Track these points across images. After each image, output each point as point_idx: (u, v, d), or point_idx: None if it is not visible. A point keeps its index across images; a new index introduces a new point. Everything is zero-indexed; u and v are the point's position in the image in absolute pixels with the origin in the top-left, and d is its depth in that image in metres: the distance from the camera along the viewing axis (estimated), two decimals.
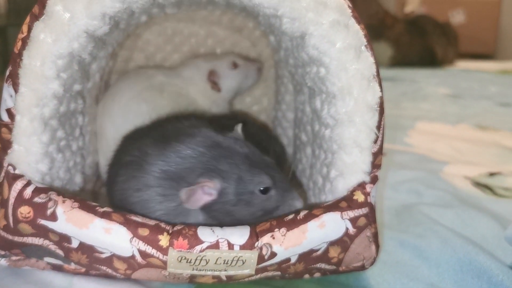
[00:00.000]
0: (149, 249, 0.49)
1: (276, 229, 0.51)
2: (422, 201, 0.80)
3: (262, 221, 0.53)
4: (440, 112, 1.54)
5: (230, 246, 0.50)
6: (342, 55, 0.54)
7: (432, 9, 3.67)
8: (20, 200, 0.51)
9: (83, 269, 0.55)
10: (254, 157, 0.57)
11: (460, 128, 1.34)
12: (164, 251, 0.49)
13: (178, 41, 0.97)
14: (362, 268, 0.56)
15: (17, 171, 0.53)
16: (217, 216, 0.56)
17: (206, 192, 0.54)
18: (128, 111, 0.78)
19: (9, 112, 0.53)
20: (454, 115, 1.50)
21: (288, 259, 0.52)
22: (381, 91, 0.55)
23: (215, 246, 0.49)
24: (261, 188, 0.56)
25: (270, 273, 0.53)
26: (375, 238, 0.56)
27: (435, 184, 0.86)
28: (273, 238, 0.51)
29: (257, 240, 0.50)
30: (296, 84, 0.78)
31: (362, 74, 0.54)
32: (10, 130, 0.54)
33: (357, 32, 0.54)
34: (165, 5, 0.73)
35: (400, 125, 1.34)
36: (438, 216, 0.73)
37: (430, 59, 3.05)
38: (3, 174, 0.54)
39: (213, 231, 0.50)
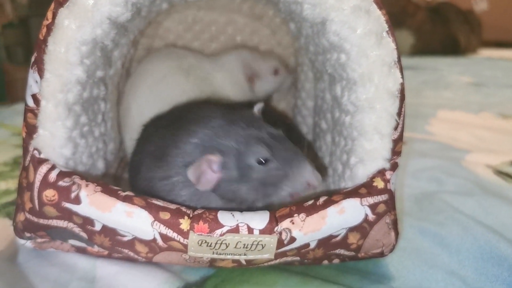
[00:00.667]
0: (170, 233, 0.50)
1: (296, 215, 0.51)
2: (443, 189, 0.79)
3: (281, 206, 0.53)
4: (462, 100, 1.52)
5: (250, 230, 0.50)
6: (363, 41, 0.54)
7: None
8: (45, 183, 0.52)
9: (106, 252, 0.56)
10: (257, 131, 0.56)
11: (483, 117, 1.32)
12: (185, 234, 0.50)
13: (198, 29, 0.97)
14: (381, 255, 0.56)
15: (42, 156, 0.54)
16: (229, 198, 0.56)
17: (209, 167, 0.54)
18: (152, 94, 0.79)
19: (35, 97, 0.54)
20: (477, 103, 1.48)
21: (307, 245, 0.52)
22: (402, 77, 0.55)
23: (235, 230, 0.50)
24: (260, 159, 0.54)
25: (289, 258, 0.53)
26: (395, 225, 0.56)
27: (456, 172, 0.85)
28: (293, 223, 0.51)
29: (277, 225, 0.51)
30: (316, 72, 0.77)
31: (383, 61, 0.54)
32: (35, 115, 0.55)
33: (378, 17, 0.54)
34: None
35: (421, 113, 1.33)
36: (459, 204, 0.72)
37: (452, 47, 3.00)
38: (29, 158, 0.55)
39: (233, 215, 0.51)
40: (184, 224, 0.50)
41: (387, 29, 0.54)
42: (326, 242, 0.52)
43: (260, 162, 0.55)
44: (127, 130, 0.80)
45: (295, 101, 0.94)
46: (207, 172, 0.54)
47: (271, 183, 0.55)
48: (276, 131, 0.57)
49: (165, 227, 0.50)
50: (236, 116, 0.58)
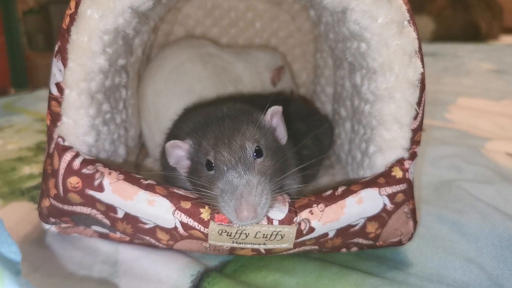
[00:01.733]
0: (191, 222, 0.51)
1: (315, 205, 0.52)
2: (462, 177, 0.79)
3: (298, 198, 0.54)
4: (482, 88, 1.50)
5: (270, 221, 0.51)
6: (383, 30, 0.54)
7: None
8: (70, 170, 0.54)
9: (128, 238, 0.57)
10: (230, 138, 0.53)
11: (504, 104, 1.30)
12: (205, 224, 0.51)
13: (218, 15, 0.98)
14: (400, 243, 0.57)
15: (66, 143, 0.56)
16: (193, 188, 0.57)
17: (174, 146, 0.57)
18: (170, 80, 0.80)
19: (59, 86, 0.55)
20: (498, 91, 1.46)
21: (326, 234, 0.52)
22: (423, 67, 0.54)
23: None
24: (208, 161, 0.53)
25: (308, 247, 0.54)
26: (413, 214, 0.56)
27: (476, 160, 0.85)
28: (312, 213, 0.51)
29: (296, 215, 0.51)
30: (336, 59, 0.77)
31: (404, 50, 0.54)
32: (59, 103, 0.56)
33: (400, 6, 0.54)
34: None
35: (440, 101, 1.32)
36: (479, 192, 0.72)
37: (473, 34, 2.94)
38: (53, 145, 0.56)
39: None
40: (205, 213, 0.51)
41: (409, 18, 0.54)
42: (344, 232, 0.53)
43: (207, 165, 0.53)
44: (143, 116, 0.81)
45: (314, 87, 0.94)
46: (174, 151, 0.57)
47: (204, 191, 0.52)
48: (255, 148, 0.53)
49: (186, 216, 0.51)
50: (236, 117, 0.58)
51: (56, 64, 0.56)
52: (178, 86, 0.80)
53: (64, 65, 0.55)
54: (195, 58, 0.82)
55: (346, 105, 0.72)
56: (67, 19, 0.55)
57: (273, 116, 0.58)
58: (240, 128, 0.55)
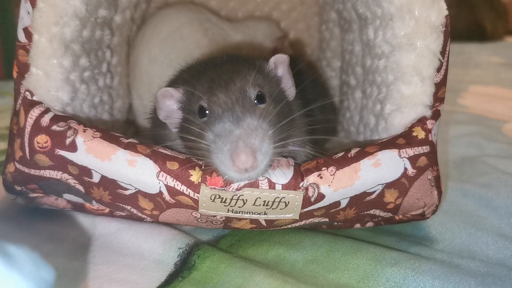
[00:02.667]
0: (178, 185, 0.43)
1: (324, 168, 0.44)
2: (484, 153, 0.72)
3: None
4: (494, 77, 1.43)
5: (271, 185, 0.43)
6: None
7: None
8: (37, 128, 0.46)
9: (107, 210, 0.49)
10: (228, 81, 0.44)
11: None
12: (196, 188, 0.43)
13: None
14: (422, 217, 0.49)
15: (34, 98, 0.48)
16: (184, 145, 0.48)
17: (165, 95, 0.48)
18: (166, 46, 0.72)
19: (26, 31, 0.48)
20: (510, 80, 1.39)
21: (338, 203, 0.45)
22: (447, 9, 0.47)
23: (254, 184, 0.43)
24: (201, 107, 0.44)
25: (316, 220, 0.46)
26: (437, 182, 0.48)
27: (496, 138, 0.78)
28: (321, 177, 0.44)
29: (302, 180, 0.43)
30: (344, 24, 0.70)
31: None
32: (27, 51, 0.48)
33: None
34: None
35: (452, 88, 1.24)
36: (505, 166, 0.65)
37: (478, 34, 2.88)
38: (19, 101, 0.48)
39: None
40: (195, 176, 0.43)
41: None
42: (359, 201, 0.45)
43: (200, 112, 0.45)
44: (135, 86, 0.73)
45: (320, 63, 0.87)
46: (164, 102, 0.48)
47: (196, 140, 0.44)
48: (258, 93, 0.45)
49: (172, 179, 0.43)
50: (237, 61, 0.50)
51: (24, 5, 0.48)
52: (174, 53, 0.72)
53: (33, 5, 0.47)
54: (194, 22, 0.74)
55: (355, 72, 0.65)
56: None
57: (278, 65, 0.49)
58: (241, 72, 0.46)
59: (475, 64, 1.71)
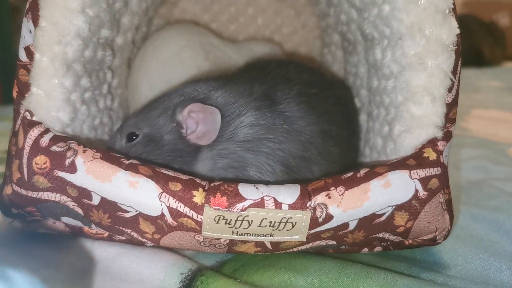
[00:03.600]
0: (181, 207, 0.42)
1: (332, 188, 0.43)
2: (492, 176, 0.70)
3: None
4: (495, 101, 1.42)
5: (278, 205, 0.41)
6: None
7: (476, 11, 3.52)
8: (36, 148, 0.44)
9: (106, 234, 0.48)
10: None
11: None
12: (199, 209, 0.41)
13: (217, 10, 0.90)
14: (433, 242, 0.47)
15: (34, 118, 0.47)
16: None
17: None
18: (166, 72, 0.71)
19: (28, 50, 0.47)
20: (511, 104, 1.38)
21: (346, 225, 0.43)
22: (459, 27, 0.46)
23: (260, 204, 0.41)
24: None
25: (323, 242, 0.44)
26: (449, 206, 0.47)
27: (503, 161, 0.76)
28: (329, 197, 0.42)
29: (310, 199, 0.42)
30: (347, 46, 0.69)
31: (436, 7, 0.45)
32: (28, 71, 0.47)
33: None
34: None
35: None
36: None
37: (476, 59, 2.90)
38: (19, 121, 0.47)
39: (256, 188, 0.42)
40: (198, 197, 0.42)
41: None
42: (368, 223, 0.44)
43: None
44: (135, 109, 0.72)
45: None
46: None
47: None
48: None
49: (175, 200, 0.42)
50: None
51: (26, 24, 0.47)
52: (174, 79, 0.70)
53: (35, 24, 0.46)
54: (195, 45, 0.73)
55: (360, 94, 0.64)
56: None
57: (192, 113, 0.50)
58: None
59: (475, 88, 1.71)
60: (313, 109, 0.53)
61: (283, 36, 0.93)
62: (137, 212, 0.43)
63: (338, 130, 0.56)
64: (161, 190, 0.42)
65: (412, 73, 0.47)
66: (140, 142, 0.51)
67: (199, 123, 0.49)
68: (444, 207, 0.46)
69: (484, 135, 1.00)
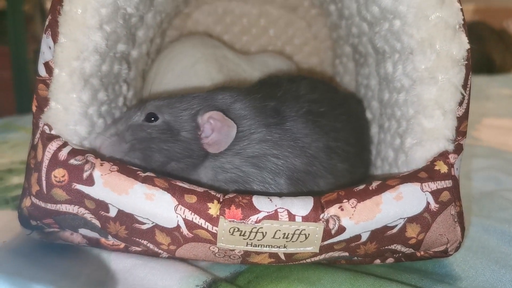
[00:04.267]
0: (197, 219, 0.43)
1: (345, 200, 0.43)
2: (503, 187, 0.70)
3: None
4: (507, 109, 1.42)
5: (291, 217, 0.42)
6: (422, 1, 0.47)
7: (486, 18, 3.51)
8: (55, 162, 0.46)
9: (122, 245, 0.48)
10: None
11: None
12: (214, 221, 0.42)
13: (229, 21, 0.91)
14: (445, 254, 0.48)
15: (53, 132, 0.48)
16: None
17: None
18: (180, 84, 0.72)
19: (47, 66, 0.48)
20: None
21: (359, 237, 0.44)
22: (469, 42, 0.47)
23: (274, 216, 0.42)
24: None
25: (336, 254, 0.45)
26: (460, 218, 0.47)
27: None
28: (342, 209, 0.43)
29: (323, 211, 0.43)
30: (359, 58, 0.70)
31: (446, 23, 0.46)
32: (47, 86, 0.48)
33: None
34: None
35: None
36: None
37: (487, 66, 2.89)
38: (38, 135, 0.48)
39: (270, 200, 0.43)
40: (213, 209, 0.43)
41: None
42: (380, 235, 0.44)
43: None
44: None
45: None
46: None
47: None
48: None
49: (190, 212, 0.43)
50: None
51: (46, 40, 0.48)
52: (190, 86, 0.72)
53: (54, 40, 0.48)
54: (210, 58, 0.74)
55: (371, 106, 0.65)
56: None
57: (209, 119, 0.51)
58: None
59: (486, 96, 1.71)
60: (319, 127, 0.54)
61: (295, 47, 0.94)
62: (154, 224, 0.44)
63: (345, 146, 0.57)
64: (177, 202, 0.43)
65: (423, 87, 0.48)
66: (158, 126, 0.50)
67: (214, 130, 0.50)
68: (455, 220, 0.46)
69: (495, 144, 1.00)
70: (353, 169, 0.57)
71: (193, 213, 0.43)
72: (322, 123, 0.55)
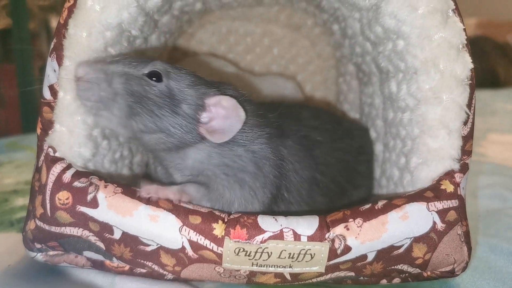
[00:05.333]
0: (202, 240, 0.43)
1: (351, 219, 0.43)
2: (510, 205, 0.70)
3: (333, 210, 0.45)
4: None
5: (296, 236, 0.42)
6: (425, 21, 0.47)
7: (489, 32, 3.52)
8: (59, 184, 0.46)
9: (127, 267, 0.48)
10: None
11: None
12: (219, 242, 0.42)
13: (233, 41, 0.92)
14: (452, 274, 0.47)
15: (57, 154, 0.48)
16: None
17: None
18: None
19: (52, 89, 0.48)
20: None
21: (365, 256, 0.43)
22: (472, 62, 0.47)
23: (279, 236, 0.42)
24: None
25: (342, 273, 0.45)
26: (467, 238, 0.47)
27: None
28: (347, 229, 0.43)
29: (328, 231, 0.43)
30: (362, 76, 0.70)
31: (450, 43, 0.46)
32: (52, 108, 0.49)
33: None
34: None
35: None
36: None
37: (491, 81, 2.89)
38: (42, 157, 0.48)
39: (275, 219, 0.43)
40: (218, 229, 0.43)
41: (454, 6, 0.47)
42: (386, 255, 0.44)
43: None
44: None
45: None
46: None
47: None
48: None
49: (195, 233, 0.43)
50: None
51: (51, 63, 0.49)
52: None
53: (59, 63, 0.48)
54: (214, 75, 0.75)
55: (376, 124, 0.64)
56: (65, 13, 0.48)
57: (218, 105, 0.48)
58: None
59: (491, 112, 1.70)
60: (311, 156, 0.54)
61: (299, 66, 0.94)
62: (158, 245, 0.44)
63: (330, 184, 0.57)
64: (181, 224, 0.43)
65: (427, 107, 0.48)
66: (159, 88, 0.46)
67: (220, 117, 0.47)
68: (462, 239, 0.46)
69: (500, 161, 1.00)
70: (332, 203, 0.57)
71: (198, 234, 0.43)
72: (316, 153, 0.55)
